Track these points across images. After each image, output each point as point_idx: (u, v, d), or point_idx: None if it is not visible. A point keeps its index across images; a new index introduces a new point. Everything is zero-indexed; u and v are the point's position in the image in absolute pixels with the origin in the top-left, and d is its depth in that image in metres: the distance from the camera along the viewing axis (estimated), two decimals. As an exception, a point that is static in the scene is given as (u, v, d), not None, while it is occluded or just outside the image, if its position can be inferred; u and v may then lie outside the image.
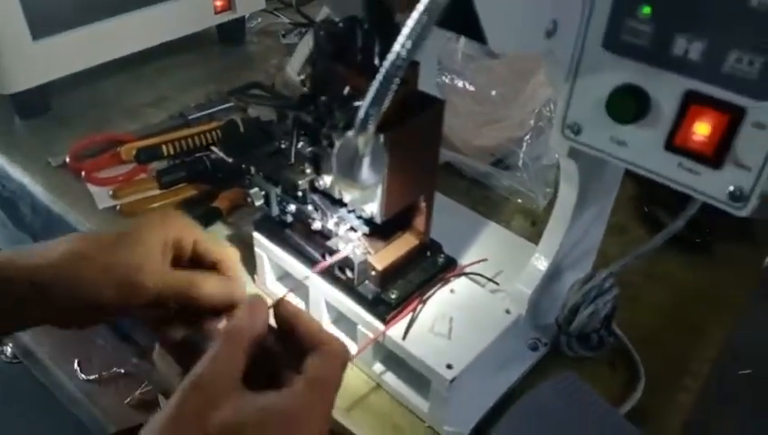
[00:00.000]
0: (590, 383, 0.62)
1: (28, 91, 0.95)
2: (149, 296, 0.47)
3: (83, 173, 0.85)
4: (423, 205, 0.58)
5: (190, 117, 0.97)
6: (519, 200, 0.84)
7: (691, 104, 0.38)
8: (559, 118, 0.46)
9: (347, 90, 0.49)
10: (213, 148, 0.82)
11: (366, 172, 0.39)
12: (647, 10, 0.38)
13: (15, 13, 0.88)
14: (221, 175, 0.84)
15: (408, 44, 0.33)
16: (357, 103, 0.49)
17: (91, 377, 1.37)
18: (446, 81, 0.87)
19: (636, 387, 0.63)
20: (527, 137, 0.80)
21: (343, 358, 0.42)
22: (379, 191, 0.51)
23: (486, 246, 0.76)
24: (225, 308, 0.50)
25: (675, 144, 0.40)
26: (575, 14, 0.41)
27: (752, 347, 1.62)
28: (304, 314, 0.44)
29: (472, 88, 0.85)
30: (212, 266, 0.52)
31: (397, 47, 0.33)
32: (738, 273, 0.78)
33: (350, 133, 0.38)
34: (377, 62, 0.49)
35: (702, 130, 0.38)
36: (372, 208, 0.53)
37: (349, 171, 0.39)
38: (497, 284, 0.68)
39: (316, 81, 0.55)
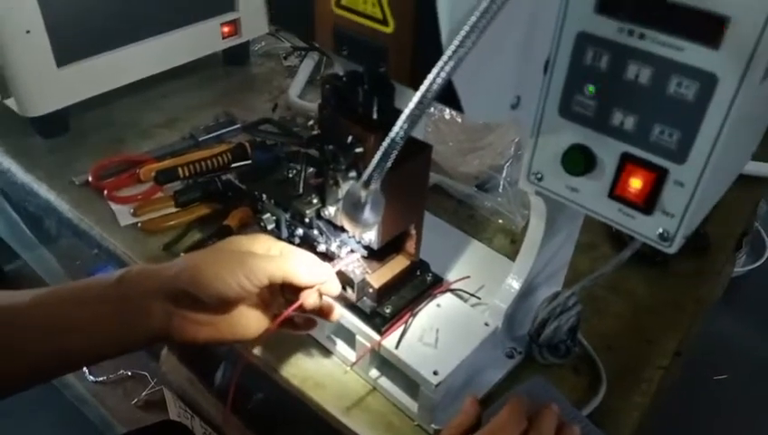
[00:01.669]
0: (558, 386, 0.72)
1: (50, 113, 1.03)
2: (263, 278, 0.56)
3: (105, 192, 0.94)
4: (413, 231, 0.67)
5: (201, 139, 1.05)
6: (500, 220, 0.93)
7: (627, 163, 0.47)
8: (525, 166, 0.55)
9: (349, 138, 0.58)
10: (227, 174, 0.90)
11: (367, 215, 0.48)
12: (591, 89, 0.47)
13: (43, 42, 0.96)
14: (231, 195, 0.93)
15: (406, 126, 0.42)
16: (357, 150, 0.58)
17: (100, 378, 1.45)
18: (435, 111, 0.97)
19: (598, 390, 0.72)
20: (507, 163, 0.89)
21: None
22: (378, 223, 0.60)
23: (470, 263, 0.85)
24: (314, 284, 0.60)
25: (615, 193, 0.49)
26: (536, 90, 0.50)
27: (719, 353, 1.73)
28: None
29: (459, 119, 0.95)
30: None
31: (396, 128, 0.42)
32: (693, 286, 0.88)
33: (356, 184, 0.47)
34: (375, 115, 0.58)
35: (635, 184, 0.47)
36: (370, 236, 0.62)
37: (353, 214, 0.48)
38: (479, 298, 0.77)
39: (323, 126, 0.64)
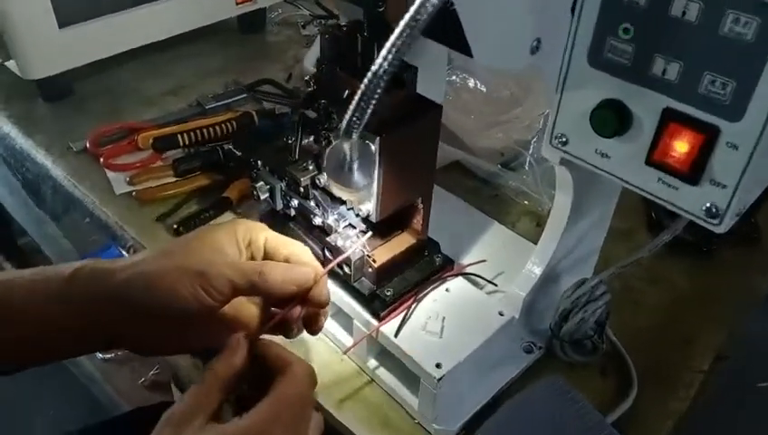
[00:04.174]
0: (581, 389, 0.63)
1: (53, 77, 0.98)
2: (223, 289, 0.46)
3: (102, 159, 0.88)
4: (420, 205, 0.59)
5: (207, 106, 0.99)
6: (526, 202, 0.84)
7: (669, 121, 0.39)
8: (548, 128, 0.47)
9: (346, 93, 0.50)
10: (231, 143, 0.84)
11: (355, 176, 0.41)
12: (627, 31, 0.38)
13: (44, 2, 0.91)
14: (233, 165, 0.86)
15: (390, 57, 0.34)
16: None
17: (108, 356, 1.41)
18: (458, 79, 0.88)
19: (627, 394, 0.63)
20: (534, 139, 0.81)
21: (308, 377, 0.46)
22: (374, 192, 0.52)
23: (489, 247, 0.77)
24: (297, 295, 0.51)
25: (654, 159, 0.41)
26: (560, 33, 0.41)
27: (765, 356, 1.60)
28: (276, 345, 0.48)
29: (483, 88, 0.86)
30: (285, 261, 0.53)
31: (379, 60, 0.35)
32: (740, 280, 0.78)
33: (340, 139, 0.40)
34: (375, 66, 0.50)
35: (680, 147, 0.39)
36: (368, 208, 0.55)
37: (339, 174, 0.41)
38: (495, 285, 0.69)
39: (320, 82, 0.56)
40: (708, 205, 0.39)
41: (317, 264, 0.53)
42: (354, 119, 0.37)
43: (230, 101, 1.00)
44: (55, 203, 0.92)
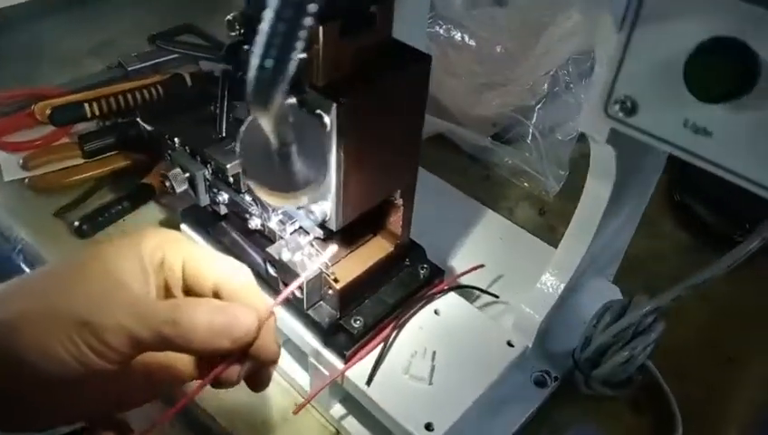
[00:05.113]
0: (610, 429, 0.48)
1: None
2: (119, 345, 0.30)
3: (-10, 136, 0.69)
4: (399, 200, 0.42)
5: (130, 68, 0.80)
6: (525, 184, 0.68)
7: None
8: (602, 88, 0.30)
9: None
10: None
11: (292, 171, 0.23)
12: None
13: None
14: (158, 142, 0.68)
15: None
16: (299, 56, 0.33)
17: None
18: (441, 32, 0.71)
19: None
20: (539, 105, 0.64)
21: None
22: (331, 188, 0.35)
23: (483, 243, 0.61)
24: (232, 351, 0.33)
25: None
26: None
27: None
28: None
29: (473, 43, 0.69)
30: (214, 295, 0.36)
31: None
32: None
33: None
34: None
35: None
36: (324, 209, 0.38)
37: (261, 171, 0.24)
38: (496, 297, 0.53)
39: (251, 23, 0.38)
40: None
41: (260, 297, 0.36)
42: (268, 67, 0.20)
43: (159, 61, 0.81)
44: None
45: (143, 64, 0.81)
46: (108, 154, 0.68)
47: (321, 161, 0.26)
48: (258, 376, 0.36)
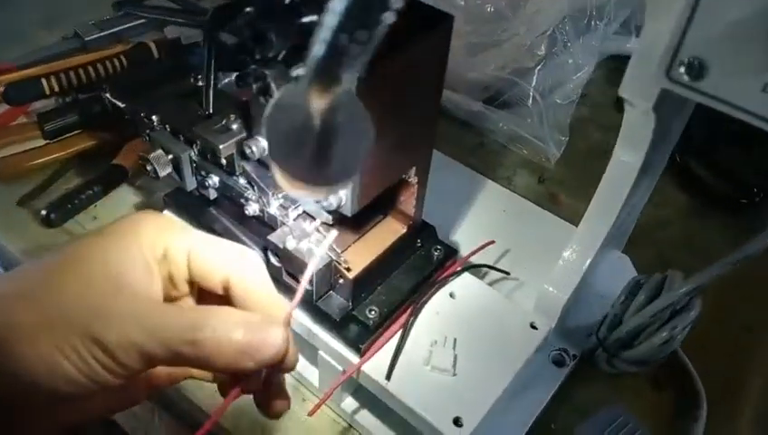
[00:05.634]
0: (630, 406, 0.46)
1: None
2: (132, 363, 0.26)
3: (-66, 118, 0.62)
4: (413, 178, 0.38)
5: (88, 38, 0.73)
6: (524, 151, 0.65)
7: None
8: (666, 46, 0.26)
9: (292, -5, 0.28)
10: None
11: (328, 168, 0.19)
12: None
13: None
14: (127, 118, 0.62)
15: None
16: (307, 19, 0.28)
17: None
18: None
19: (696, 416, 0.46)
20: (538, 67, 0.60)
21: None
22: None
23: (485, 216, 0.58)
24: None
25: None
26: None
27: None
28: None
29: (461, 2, 0.64)
30: (223, 291, 0.31)
31: None
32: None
33: (296, 83, 0.18)
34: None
35: None
36: (339, 194, 0.33)
37: (291, 160, 0.19)
38: (507, 274, 0.50)
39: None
40: None
41: (275, 294, 0.31)
42: (345, 44, 0.16)
43: (119, 29, 0.75)
44: None
45: (102, 33, 0.74)
46: (71, 134, 0.62)
47: (360, 155, 0.22)
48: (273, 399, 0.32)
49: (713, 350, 0.51)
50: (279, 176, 0.22)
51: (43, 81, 0.62)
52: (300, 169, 0.21)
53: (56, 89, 0.63)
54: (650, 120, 0.33)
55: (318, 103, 0.18)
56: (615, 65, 0.76)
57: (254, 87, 0.31)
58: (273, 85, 0.30)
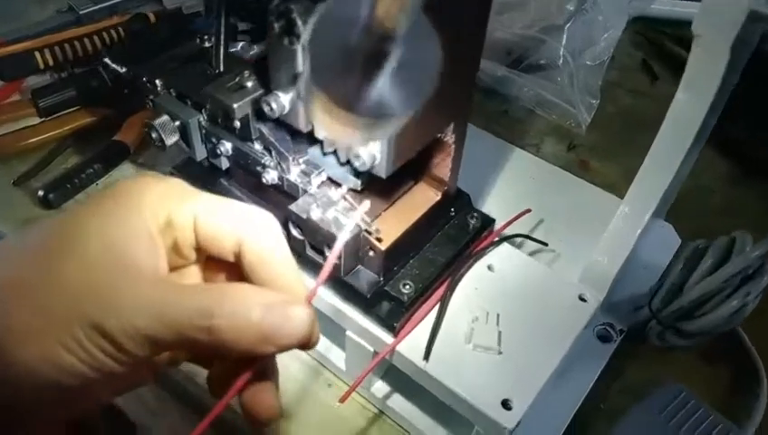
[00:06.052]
0: (682, 382, 0.43)
1: None
2: (137, 350, 0.23)
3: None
4: (450, 138, 0.34)
5: (82, 11, 0.69)
6: (553, 116, 0.60)
7: None
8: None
9: None
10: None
11: (391, 89, 0.15)
12: None
13: None
14: (128, 92, 0.58)
15: None
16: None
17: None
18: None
19: (756, 392, 0.43)
20: (568, 24, 0.56)
21: None
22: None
23: (515, 185, 0.54)
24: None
25: None
26: None
27: None
28: None
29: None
30: (234, 258, 0.27)
31: None
32: None
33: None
34: None
35: None
36: (372, 152, 0.29)
37: (342, 84, 0.16)
38: (545, 244, 0.46)
39: None
40: None
41: (295, 267, 0.27)
42: None
43: (116, 1, 0.70)
44: None
45: (96, 6, 0.70)
46: (68, 110, 0.58)
47: (425, 85, 0.18)
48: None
49: (764, 317, 0.48)
50: (319, 106, 0.18)
51: (37, 54, 0.58)
52: (350, 95, 0.17)
53: (51, 63, 0.59)
54: (724, 59, 0.29)
55: (384, 11, 0.14)
56: (638, 28, 0.72)
57: (277, 26, 0.27)
58: (299, 22, 0.26)
